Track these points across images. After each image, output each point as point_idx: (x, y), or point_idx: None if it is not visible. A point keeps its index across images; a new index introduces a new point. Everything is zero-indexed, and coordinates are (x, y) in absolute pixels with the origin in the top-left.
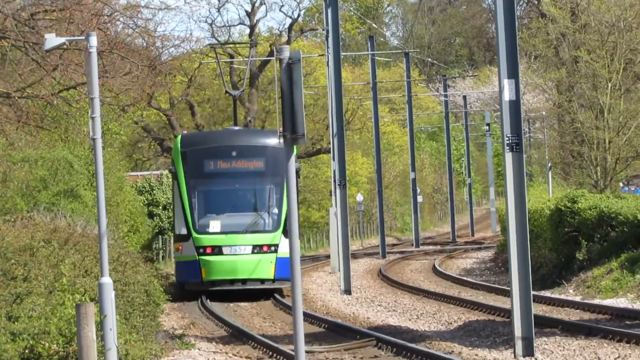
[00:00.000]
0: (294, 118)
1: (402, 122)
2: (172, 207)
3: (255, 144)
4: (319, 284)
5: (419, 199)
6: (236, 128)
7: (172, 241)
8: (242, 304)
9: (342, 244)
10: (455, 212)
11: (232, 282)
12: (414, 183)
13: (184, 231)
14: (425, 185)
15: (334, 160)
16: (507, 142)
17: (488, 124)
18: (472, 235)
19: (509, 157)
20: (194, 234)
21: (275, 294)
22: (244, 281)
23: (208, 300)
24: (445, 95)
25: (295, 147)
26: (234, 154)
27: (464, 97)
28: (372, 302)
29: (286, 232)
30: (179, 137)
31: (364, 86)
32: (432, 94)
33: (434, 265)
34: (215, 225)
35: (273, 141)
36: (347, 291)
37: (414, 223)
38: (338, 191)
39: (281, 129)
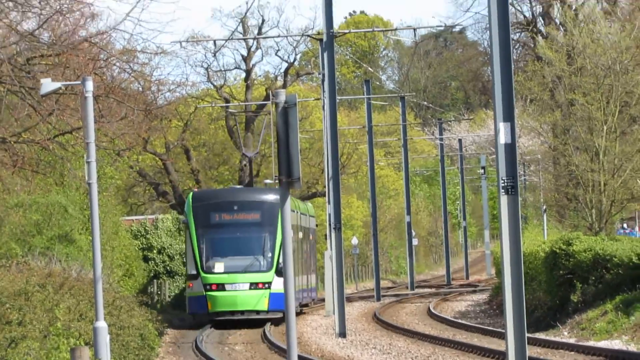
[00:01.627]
0: (290, 161)
1: (397, 165)
2: (184, 252)
3: (253, 199)
4: (313, 327)
5: (414, 242)
6: (238, 187)
7: (166, 285)
8: (237, 347)
9: (337, 287)
10: (451, 254)
11: (233, 313)
12: (409, 226)
13: (194, 271)
14: (421, 229)
15: (329, 203)
16: (503, 184)
17: (483, 167)
18: (467, 278)
19: (504, 199)
20: (202, 274)
21: (269, 336)
22: (242, 312)
23: (203, 342)
24: (441, 139)
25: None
26: (235, 207)
27: (460, 140)
28: (367, 345)
29: (278, 272)
30: (191, 194)
31: (360, 130)
32: (427, 137)
33: (429, 308)
34: (219, 266)
35: (268, 197)
36: (342, 334)
37: (409, 266)
38: (333, 235)
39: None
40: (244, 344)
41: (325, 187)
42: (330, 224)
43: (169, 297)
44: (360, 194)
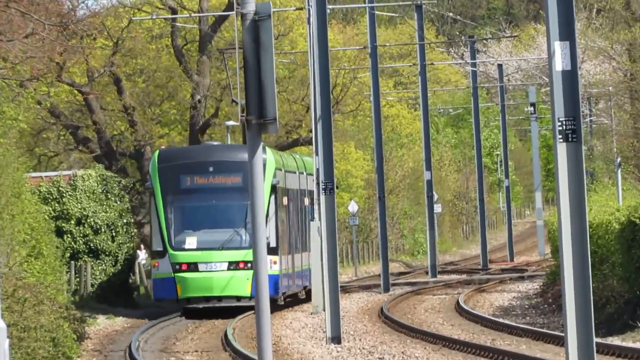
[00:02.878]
0: (262, 96)
1: (413, 101)
2: (149, 223)
3: (233, 159)
4: (295, 329)
5: (437, 208)
6: (214, 143)
7: (89, 268)
8: (187, 357)
9: (329, 272)
10: (488, 227)
11: (208, 299)
12: (429, 186)
13: (160, 247)
14: (446, 190)
15: (317, 155)
16: (560, 128)
17: (533, 104)
18: (511, 259)
19: (562, 149)
20: (170, 251)
21: (232, 342)
22: (219, 298)
23: (140, 350)
24: (474, 64)
25: (269, 155)
26: (211, 169)
27: (500, 66)
28: (371, 355)
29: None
30: (156, 153)
31: (360, 52)
32: (454, 62)
33: (458, 302)
34: (191, 241)
35: None
36: (336, 339)
37: (430, 243)
38: (323, 198)
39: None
40: (198, 352)
41: (311, 131)
42: (318, 184)
43: (93, 285)
44: (360, 141)
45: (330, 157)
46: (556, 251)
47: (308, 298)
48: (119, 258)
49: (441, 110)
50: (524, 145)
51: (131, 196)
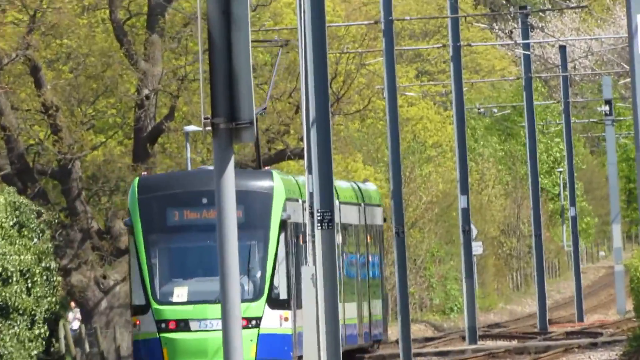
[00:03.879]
0: (233, 91)
1: (443, 98)
2: (128, 270)
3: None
4: None
5: (477, 248)
6: (209, 168)
7: None
8: None
9: (329, 337)
10: (547, 274)
11: None
12: (465, 217)
13: (142, 301)
14: (489, 223)
15: (309, 173)
16: None
17: (608, 102)
18: (580, 319)
19: None
20: (154, 305)
21: None
22: None
23: None
24: (526, 46)
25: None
26: (204, 201)
27: (562, 48)
28: None
29: (273, 301)
30: (136, 180)
31: (370, 28)
32: (500, 42)
33: None
34: (180, 293)
35: (258, 183)
36: None
37: (467, 297)
38: (318, 234)
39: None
40: None
41: (302, 140)
42: (312, 214)
43: (2, 357)
44: (370, 153)
45: (329, 175)
46: None
47: None
48: (37, 318)
49: (482, 110)
50: (596, 160)
51: (54, 232)
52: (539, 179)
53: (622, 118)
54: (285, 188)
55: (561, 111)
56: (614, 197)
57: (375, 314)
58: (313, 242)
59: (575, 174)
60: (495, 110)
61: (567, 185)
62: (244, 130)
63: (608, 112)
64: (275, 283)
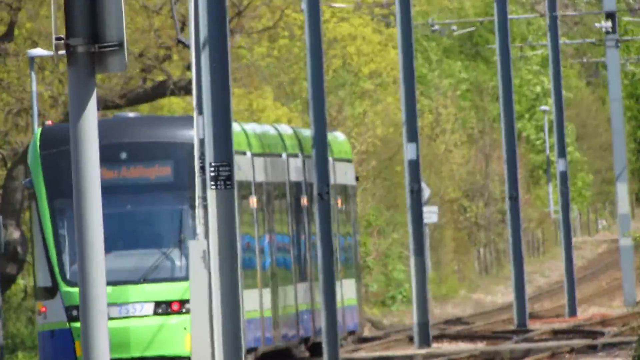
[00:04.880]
0: (97, 2)
1: (385, 11)
2: (30, 244)
3: (158, 139)
4: None
5: (430, 216)
6: (129, 115)
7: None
8: None
9: (226, 331)
10: (527, 251)
11: None
12: (414, 173)
13: (47, 282)
14: (448, 181)
15: (199, 113)
16: None
17: (610, 15)
18: (572, 313)
19: None
20: (63, 287)
21: None
22: None
23: None
24: None
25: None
26: (123, 156)
27: None
28: None
29: None
30: (38, 131)
31: None
32: None
33: None
34: None
35: (188, 134)
36: None
37: (417, 282)
38: (213, 195)
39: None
40: None
41: (190, 70)
42: (202, 169)
43: None
44: (283, 87)
45: (226, 117)
46: None
47: (314, 353)
48: None
49: (437, 27)
50: (594, 94)
51: None
52: (515, 121)
53: (629, 37)
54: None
55: (546, 30)
56: (619, 145)
57: (348, 297)
58: (205, 207)
59: (565, 114)
60: (455, 27)
61: (554, 129)
62: (111, 56)
63: (610, 30)
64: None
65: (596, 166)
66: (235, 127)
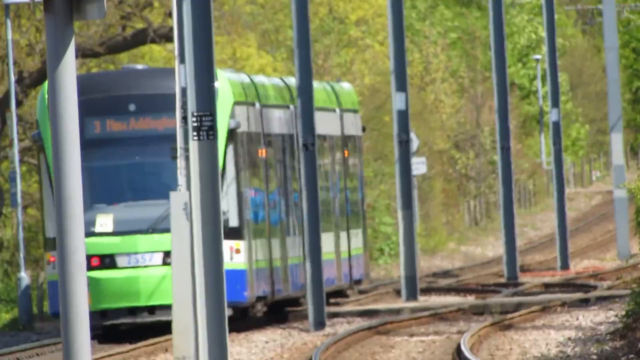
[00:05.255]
0: None
1: None
2: (39, 195)
3: (167, 91)
4: None
5: (419, 167)
6: (138, 67)
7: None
8: None
9: (209, 292)
10: (518, 203)
11: (134, 311)
12: (403, 123)
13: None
14: (438, 132)
15: (181, 62)
16: None
17: None
18: (564, 266)
19: None
20: None
21: None
22: (151, 309)
23: None
24: None
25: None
26: (132, 108)
27: None
28: None
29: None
30: (45, 83)
31: None
32: None
33: (459, 352)
34: (104, 222)
35: None
36: None
37: (405, 234)
38: (195, 146)
39: None
40: None
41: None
42: (185, 119)
43: None
44: (268, 34)
45: (209, 65)
46: None
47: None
48: None
49: None
50: (589, 42)
51: None
52: (507, 69)
53: None
54: (232, 88)
55: None
56: (614, 95)
57: (356, 247)
58: (187, 158)
59: (559, 63)
60: None
61: (548, 78)
62: (90, 2)
63: None
64: (223, 208)
65: (590, 116)
66: (245, 78)
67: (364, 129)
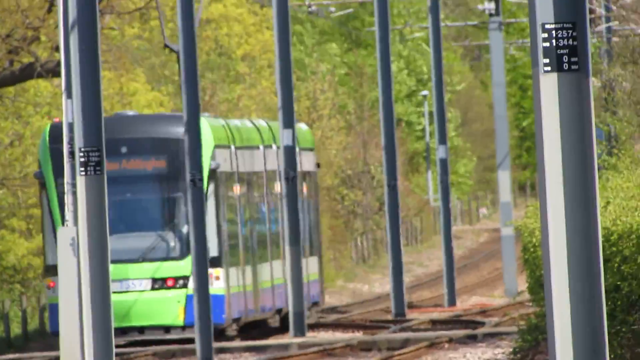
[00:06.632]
0: None
1: None
2: (41, 226)
3: (155, 135)
4: None
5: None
6: (129, 113)
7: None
8: None
9: (97, 319)
10: (405, 239)
11: (125, 331)
12: (290, 158)
13: (56, 260)
14: (325, 168)
15: (68, 97)
16: (545, 44)
17: None
18: (451, 302)
19: (548, 83)
20: None
21: None
22: (140, 329)
23: None
24: None
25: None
26: (124, 150)
27: None
28: None
29: None
30: (47, 127)
31: None
32: None
33: None
34: None
35: (179, 130)
36: None
37: (292, 270)
38: (82, 181)
39: None
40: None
41: (58, 51)
42: (72, 153)
43: None
44: (155, 70)
45: (96, 100)
46: (540, 287)
47: (285, 325)
48: None
49: (314, 8)
50: (476, 78)
51: None
52: (393, 104)
53: (513, 20)
54: (213, 133)
55: (428, 9)
56: (502, 131)
57: (312, 272)
58: (74, 193)
59: (446, 99)
60: (333, 9)
61: (435, 115)
62: None
63: (493, 12)
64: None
65: (478, 153)
66: (222, 122)
67: (318, 166)
